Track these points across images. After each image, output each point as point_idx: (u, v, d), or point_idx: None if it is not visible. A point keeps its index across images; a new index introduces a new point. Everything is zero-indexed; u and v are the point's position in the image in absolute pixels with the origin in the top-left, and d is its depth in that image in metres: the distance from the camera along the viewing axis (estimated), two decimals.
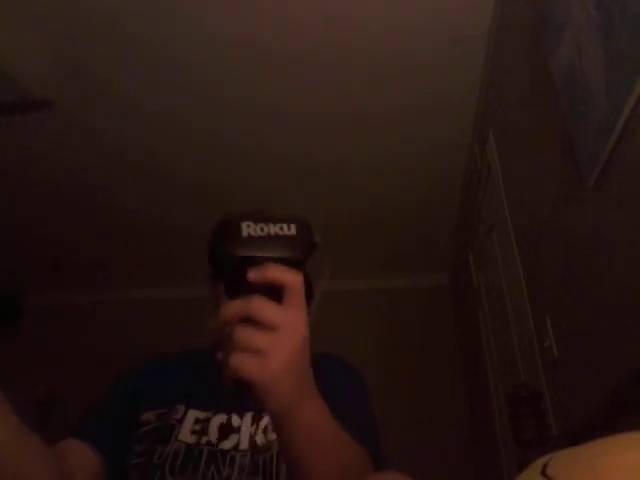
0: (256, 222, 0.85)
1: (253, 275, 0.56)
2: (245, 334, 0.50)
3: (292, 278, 0.58)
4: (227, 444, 0.85)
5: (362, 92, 2.26)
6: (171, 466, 0.82)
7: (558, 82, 1.34)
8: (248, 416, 0.88)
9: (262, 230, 0.84)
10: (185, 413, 0.88)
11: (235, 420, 0.88)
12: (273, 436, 0.84)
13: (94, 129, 2.43)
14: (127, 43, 2.03)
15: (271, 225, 0.85)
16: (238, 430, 0.87)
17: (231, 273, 0.58)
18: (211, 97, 2.27)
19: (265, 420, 0.88)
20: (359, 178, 2.79)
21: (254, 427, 0.87)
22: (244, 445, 0.85)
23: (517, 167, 1.88)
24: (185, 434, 0.86)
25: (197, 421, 0.88)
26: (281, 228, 0.86)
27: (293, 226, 0.86)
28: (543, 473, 0.38)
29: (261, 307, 0.53)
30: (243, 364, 0.49)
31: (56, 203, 2.94)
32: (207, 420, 0.88)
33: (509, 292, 2.12)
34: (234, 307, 0.53)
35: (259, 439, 0.85)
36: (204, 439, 0.86)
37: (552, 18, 1.36)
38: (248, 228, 0.84)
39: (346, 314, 3.51)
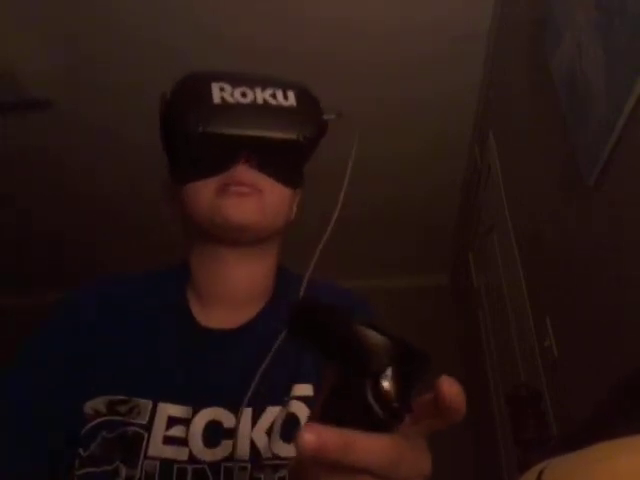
0: (235, 84, 0.60)
1: (447, 388, 0.33)
2: None
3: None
4: (218, 453, 0.59)
5: (362, 92, 2.26)
6: None
7: (558, 82, 1.34)
8: (246, 413, 0.60)
9: (244, 96, 0.59)
10: (154, 411, 0.60)
11: (227, 418, 0.60)
12: (284, 449, 0.59)
13: (94, 129, 2.43)
14: (127, 43, 2.03)
15: (258, 90, 0.60)
16: (232, 433, 0.58)
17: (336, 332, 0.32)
18: None
19: (269, 418, 0.61)
20: (358, 178, 2.77)
21: (256, 429, 0.60)
22: (242, 453, 0.59)
23: (517, 167, 1.88)
24: (156, 445, 0.58)
25: (172, 422, 0.60)
26: (273, 95, 0.60)
27: (291, 93, 0.62)
28: (539, 479, 0.38)
29: (401, 458, 0.31)
30: None
31: (56, 203, 2.94)
32: (187, 421, 0.60)
33: (509, 292, 2.12)
34: (370, 447, 0.30)
35: (263, 447, 0.59)
36: (185, 451, 0.58)
37: (552, 18, 1.36)
38: (222, 92, 0.59)
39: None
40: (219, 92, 0.59)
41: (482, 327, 2.75)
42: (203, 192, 0.65)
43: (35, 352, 0.65)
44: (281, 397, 0.62)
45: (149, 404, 0.60)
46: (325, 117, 0.65)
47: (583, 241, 1.30)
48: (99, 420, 0.60)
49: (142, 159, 2.63)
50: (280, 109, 0.61)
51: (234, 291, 0.69)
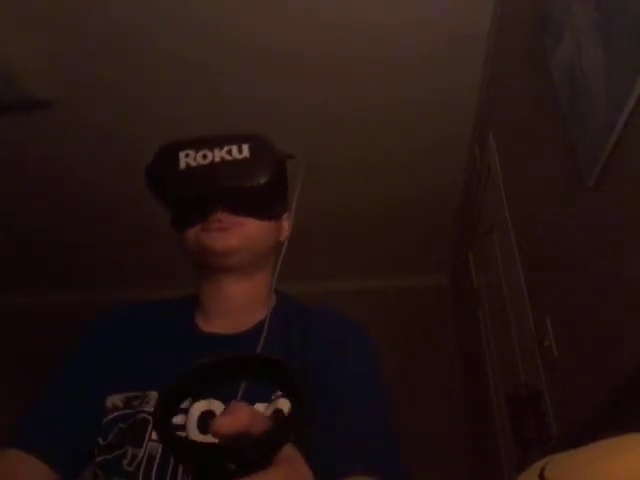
0: (198, 149, 0.72)
1: None
2: None
3: None
4: (209, 439, 0.69)
5: (362, 92, 2.26)
6: (145, 475, 0.65)
7: (558, 82, 1.34)
8: None
9: (204, 158, 0.71)
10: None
11: (219, 409, 0.69)
12: None
13: (94, 129, 2.43)
14: (127, 43, 2.03)
15: (216, 150, 0.72)
16: None
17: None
18: (211, 96, 2.27)
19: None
20: (358, 178, 2.79)
21: None
22: None
23: (517, 167, 1.88)
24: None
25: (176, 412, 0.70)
26: (229, 152, 0.72)
27: (245, 147, 0.72)
28: (541, 476, 0.38)
29: None
30: None
31: (56, 203, 2.94)
32: (185, 410, 0.68)
33: (509, 292, 2.12)
34: None
35: None
36: (182, 436, 0.67)
37: (552, 18, 1.36)
38: (187, 158, 0.71)
39: (346, 314, 3.51)
40: (184, 159, 0.71)
41: (482, 327, 2.75)
42: (191, 233, 0.76)
43: (72, 359, 0.79)
44: (269, 395, 0.69)
45: (155, 395, 0.70)
46: (278, 158, 0.74)
47: (583, 241, 1.30)
48: (117, 413, 0.70)
49: (142, 159, 2.63)
50: (235, 163, 0.71)
51: (231, 304, 0.80)
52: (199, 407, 0.68)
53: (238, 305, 0.80)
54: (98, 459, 0.68)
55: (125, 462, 0.66)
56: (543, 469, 0.39)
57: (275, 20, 1.94)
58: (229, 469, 0.36)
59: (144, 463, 0.65)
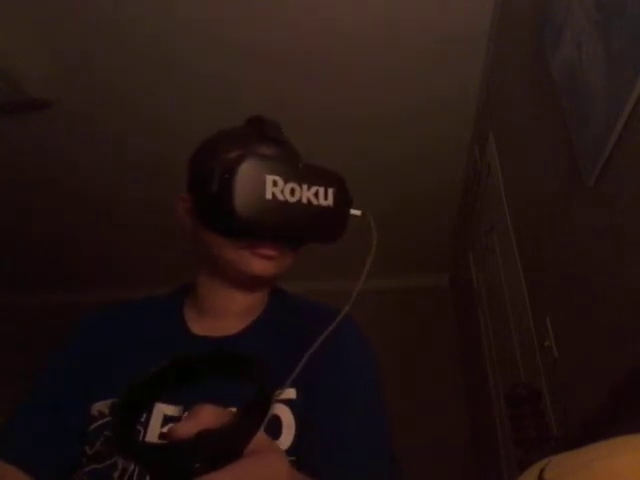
0: (286, 179, 0.66)
1: None
2: None
3: None
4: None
5: (362, 93, 2.26)
6: None
7: (558, 82, 1.34)
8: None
9: (292, 194, 0.66)
10: (150, 410, 0.67)
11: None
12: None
13: (94, 129, 2.43)
14: (128, 42, 2.03)
15: (305, 187, 0.67)
16: None
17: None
18: (212, 97, 2.27)
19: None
20: (359, 178, 2.78)
21: None
22: None
23: (517, 167, 1.88)
24: (152, 440, 0.65)
25: (167, 420, 0.66)
26: (316, 194, 0.68)
27: (331, 192, 0.70)
28: (540, 477, 0.38)
29: None
30: None
31: (56, 203, 2.94)
32: (179, 418, 0.66)
33: (509, 292, 2.12)
34: None
35: None
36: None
37: (552, 18, 1.36)
38: (274, 187, 0.66)
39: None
40: (272, 186, 0.65)
41: (482, 327, 2.75)
42: (233, 247, 0.73)
43: (57, 362, 0.77)
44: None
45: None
46: (352, 213, 0.74)
47: (583, 241, 1.30)
48: (103, 420, 0.68)
49: (142, 159, 2.63)
50: (318, 210, 0.68)
51: (233, 308, 0.79)
52: (160, 410, 0.66)
53: (239, 309, 0.79)
54: (86, 468, 0.66)
55: (116, 475, 0.63)
56: (543, 470, 0.39)
57: (274, 22, 1.94)
58: (193, 467, 0.35)
59: (136, 475, 0.63)
